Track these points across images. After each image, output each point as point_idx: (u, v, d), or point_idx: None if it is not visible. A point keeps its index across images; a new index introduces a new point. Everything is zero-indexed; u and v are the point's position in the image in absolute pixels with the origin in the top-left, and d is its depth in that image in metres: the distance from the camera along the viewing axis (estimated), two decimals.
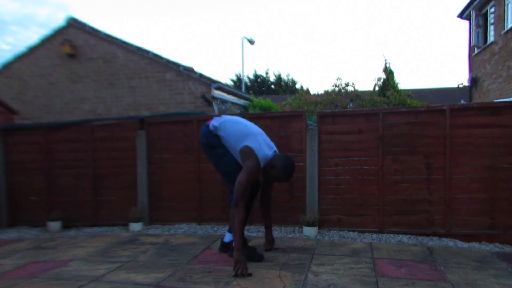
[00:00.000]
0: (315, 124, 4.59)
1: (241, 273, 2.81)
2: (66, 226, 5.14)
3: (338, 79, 19.26)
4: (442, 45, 55.79)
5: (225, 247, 3.42)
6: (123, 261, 3.34)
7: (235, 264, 2.87)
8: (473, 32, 12.00)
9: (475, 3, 11.48)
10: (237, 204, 2.94)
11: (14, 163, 5.41)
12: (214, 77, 9.13)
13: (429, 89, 25.08)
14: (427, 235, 4.09)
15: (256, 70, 35.95)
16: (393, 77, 18.28)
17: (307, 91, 28.28)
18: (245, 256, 3.19)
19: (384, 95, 17.11)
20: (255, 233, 4.33)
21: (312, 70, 56.29)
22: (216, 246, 3.72)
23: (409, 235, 4.10)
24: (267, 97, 19.79)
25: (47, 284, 2.83)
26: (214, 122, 3.31)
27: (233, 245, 3.30)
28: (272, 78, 36.47)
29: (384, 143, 4.24)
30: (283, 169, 3.14)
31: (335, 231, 4.32)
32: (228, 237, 3.40)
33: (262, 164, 3.10)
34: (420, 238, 4.04)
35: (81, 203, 5.19)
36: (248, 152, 3.06)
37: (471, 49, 12.57)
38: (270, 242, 3.58)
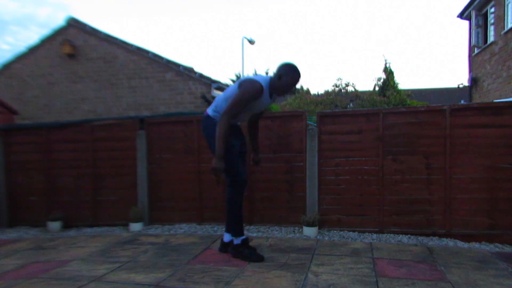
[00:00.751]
0: (315, 124, 4.59)
1: (219, 180, 3.04)
2: (66, 226, 5.14)
3: (338, 79, 19.30)
4: (442, 45, 55.86)
5: (225, 247, 3.42)
6: (123, 261, 3.34)
7: (213, 171, 2.95)
8: (473, 32, 12.01)
9: (475, 3, 11.49)
10: (224, 115, 2.94)
11: (14, 163, 5.42)
12: (214, 77, 9.15)
13: (429, 89, 25.10)
14: (427, 235, 4.09)
15: (256, 70, 35.86)
16: (393, 77, 18.32)
17: (307, 91, 28.26)
18: (246, 254, 3.21)
19: (384, 95, 17.14)
20: (255, 233, 4.33)
21: (312, 70, 56.33)
22: (216, 246, 3.71)
23: (409, 235, 4.10)
24: None
25: (47, 284, 2.83)
26: (211, 107, 3.28)
27: (234, 242, 3.30)
28: None
29: (384, 143, 4.24)
30: (292, 70, 3.02)
31: (335, 231, 4.32)
32: (227, 237, 3.40)
33: (265, 85, 3.00)
34: (420, 238, 4.04)
35: (81, 203, 5.20)
36: (245, 81, 3.00)
37: (471, 49, 12.58)
38: (258, 158, 3.66)
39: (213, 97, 8.94)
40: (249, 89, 2.95)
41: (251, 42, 17.01)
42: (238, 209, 3.25)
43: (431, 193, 4.12)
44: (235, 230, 3.29)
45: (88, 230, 5.01)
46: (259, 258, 3.21)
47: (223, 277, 2.84)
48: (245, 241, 3.31)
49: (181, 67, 9.05)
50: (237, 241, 3.28)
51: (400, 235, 4.11)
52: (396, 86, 18.05)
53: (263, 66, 39.08)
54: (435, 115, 4.14)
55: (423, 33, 59.08)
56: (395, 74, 18.39)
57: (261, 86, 2.97)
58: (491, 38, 10.98)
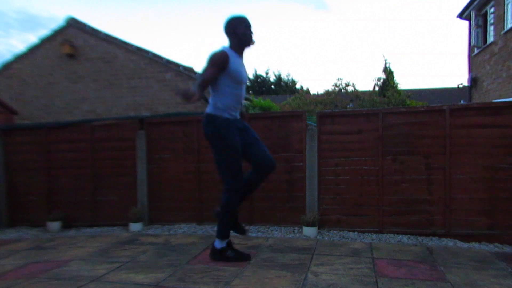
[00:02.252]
0: (315, 124, 4.59)
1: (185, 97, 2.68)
2: (66, 226, 5.14)
3: (338, 79, 19.32)
4: (442, 45, 55.90)
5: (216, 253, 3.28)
6: (123, 261, 3.34)
7: (182, 92, 2.68)
8: (473, 32, 12.02)
9: (475, 3, 11.49)
10: (198, 86, 2.80)
11: (14, 163, 5.41)
12: None
13: (429, 89, 25.10)
14: (427, 235, 4.10)
15: (256, 70, 36.00)
16: (393, 77, 18.34)
17: (307, 91, 28.30)
18: (232, 256, 3.18)
19: (384, 95, 17.15)
20: (254, 233, 4.33)
21: (312, 70, 56.41)
22: None
23: (408, 235, 4.10)
24: (267, 97, 19.79)
25: (47, 284, 2.83)
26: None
27: (217, 246, 3.18)
28: (272, 78, 36.53)
29: (384, 143, 4.24)
30: (238, 20, 3.05)
31: (335, 231, 4.32)
32: (218, 244, 3.25)
33: (228, 51, 3.00)
34: (420, 238, 4.04)
35: (81, 203, 5.19)
36: (210, 55, 2.99)
37: (470, 49, 12.59)
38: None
39: None
40: (213, 56, 2.94)
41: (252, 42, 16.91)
42: (231, 215, 3.17)
43: (431, 193, 4.12)
44: (224, 234, 3.18)
45: (88, 230, 5.00)
46: (246, 257, 3.19)
47: (223, 277, 2.84)
48: (230, 244, 3.24)
49: (181, 67, 9.04)
50: (222, 244, 3.19)
51: (400, 235, 4.11)
52: (396, 86, 18.08)
53: (263, 66, 39.22)
54: (434, 115, 4.14)
55: (423, 33, 59.18)
56: (395, 74, 18.43)
57: (224, 51, 2.98)
58: (490, 38, 10.98)
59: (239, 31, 3.03)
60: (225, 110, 3.06)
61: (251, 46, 3.13)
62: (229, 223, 3.19)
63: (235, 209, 3.20)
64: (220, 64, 2.94)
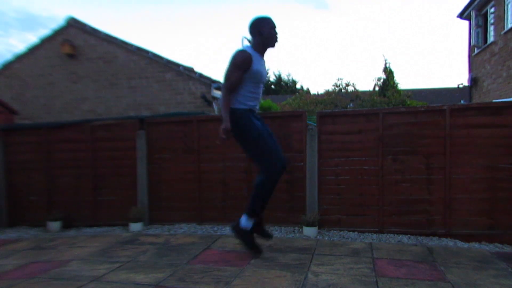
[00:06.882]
0: (315, 124, 4.59)
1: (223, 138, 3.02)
2: (66, 226, 5.14)
3: (338, 79, 19.35)
4: (442, 45, 55.92)
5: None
6: (123, 261, 3.34)
7: (223, 131, 2.99)
8: (473, 32, 12.02)
9: (475, 3, 11.50)
10: (223, 88, 3.08)
11: (14, 163, 5.41)
12: (214, 77, 9.14)
13: (429, 89, 25.11)
14: (427, 235, 4.09)
15: None
16: (393, 77, 18.36)
17: (307, 91, 28.30)
18: (249, 243, 3.25)
19: (384, 95, 17.16)
20: (255, 233, 4.32)
21: (312, 70, 56.42)
22: (216, 246, 3.71)
23: (409, 235, 4.10)
24: (267, 97, 19.80)
25: (47, 284, 2.83)
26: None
27: (242, 224, 3.19)
28: (272, 78, 36.57)
29: (384, 143, 4.24)
30: (263, 20, 3.14)
31: (335, 231, 4.32)
32: (244, 221, 3.25)
33: (251, 51, 3.09)
34: (420, 238, 4.04)
35: (81, 203, 5.19)
36: (233, 55, 3.10)
37: (471, 49, 12.59)
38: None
39: (213, 97, 8.93)
40: (237, 56, 3.04)
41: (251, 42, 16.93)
42: (267, 196, 3.15)
43: (431, 193, 4.12)
44: (252, 213, 3.18)
45: (88, 230, 5.00)
46: (258, 252, 3.24)
47: (223, 277, 2.84)
48: (252, 230, 3.25)
49: (181, 67, 9.04)
50: (247, 223, 3.20)
51: (400, 235, 4.11)
52: (396, 86, 18.10)
53: None
54: (435, 115, 4.14)
55: (423, 33, 59.24)
56: (395, 74, 18.45)
57: (247, 51, 3.07)
58: (491, 38, 10.98)
59: (264, 31, 3.11)
60: (242, 103, 3.14)
61: (275, 46, 3.21)
62: (261, 205, 3.19)
63: (271, 192, 3.18)
64: (243, 66, 3.03)
